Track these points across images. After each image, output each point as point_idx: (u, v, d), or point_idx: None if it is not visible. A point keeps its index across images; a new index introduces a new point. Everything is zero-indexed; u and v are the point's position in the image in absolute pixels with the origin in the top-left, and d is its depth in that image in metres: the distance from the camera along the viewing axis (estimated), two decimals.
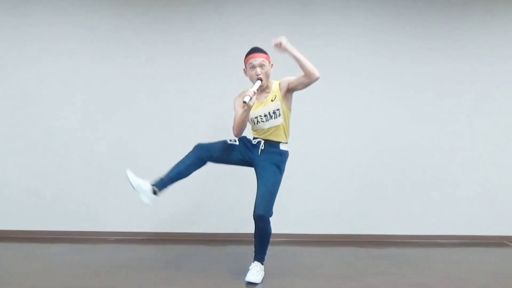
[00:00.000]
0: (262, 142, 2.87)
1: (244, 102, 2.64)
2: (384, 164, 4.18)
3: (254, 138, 2.94)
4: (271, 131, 2.87)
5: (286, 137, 2.93)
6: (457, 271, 3.20)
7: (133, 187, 2.77)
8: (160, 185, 2.84)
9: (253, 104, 2.70)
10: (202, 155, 2.86)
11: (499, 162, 4.26)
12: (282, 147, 2.90)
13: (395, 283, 2.87)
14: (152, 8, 4.07)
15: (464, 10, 4.26)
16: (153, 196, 2.82)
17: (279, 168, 2.85)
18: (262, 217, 2.69)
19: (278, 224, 4.07)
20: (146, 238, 4.00)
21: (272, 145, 2.87)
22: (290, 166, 4.08)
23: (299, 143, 4.13)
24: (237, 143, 2.89)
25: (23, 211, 3.98)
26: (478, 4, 4.27)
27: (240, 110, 2.81)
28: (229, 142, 2.90)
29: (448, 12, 4.24)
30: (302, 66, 2.69)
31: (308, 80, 2.73)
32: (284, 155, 2.90)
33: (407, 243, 4.05)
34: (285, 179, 4.05)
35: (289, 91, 2.86)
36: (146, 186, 2.79)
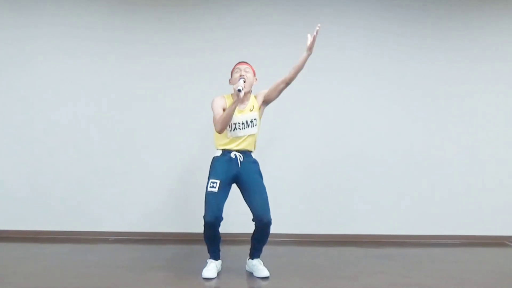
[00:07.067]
0: (238, 154, 2.93)
1: (239, 90, 2.76)
2: (385, 164, 4.17)
3: (224, 150, 2.95)
4: (245, 139, 2.95)
5: (255, 147, 3.05)
6: (457, 271, 3.20)
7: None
8: (216, 255, 2.99)
9: (243, 96, 2.83)
10: (216, 224, 2.85)
11: (499, 161, 4.25)
12: (253, 155, 3.03)
13: (395, 283, 2.87)
14: (152, 9, 4.07)
15: (465, 10, 4.25)
16: (218, 263, 2.99)
17: (261, 175, 3.00)
18: (270, 223, 2.84)
19: (278, 224, 4.11)
20: (146, 238, 4.00)
21: (246, 155, 2.97)
22: (291, 166, 4.13)
23: (299, 143, 4.14)
24: (217, 184, 2.85)
25: (23, 211, 3.98)
26: (477, 4, 4.27)
27: (220, 111, 2.92)
28: (209, 189, 2.86)
29: (448, 12, 4.24)
30: (302, 64, 2.92)
31: (285, 85, 2.96)
32: (257, 163, 3.04)
33: (407, 243, 4.05)
34: (287, 179, 4.09)
35: (264, 102, 3.04)
36: (215, 265, 2.95)
